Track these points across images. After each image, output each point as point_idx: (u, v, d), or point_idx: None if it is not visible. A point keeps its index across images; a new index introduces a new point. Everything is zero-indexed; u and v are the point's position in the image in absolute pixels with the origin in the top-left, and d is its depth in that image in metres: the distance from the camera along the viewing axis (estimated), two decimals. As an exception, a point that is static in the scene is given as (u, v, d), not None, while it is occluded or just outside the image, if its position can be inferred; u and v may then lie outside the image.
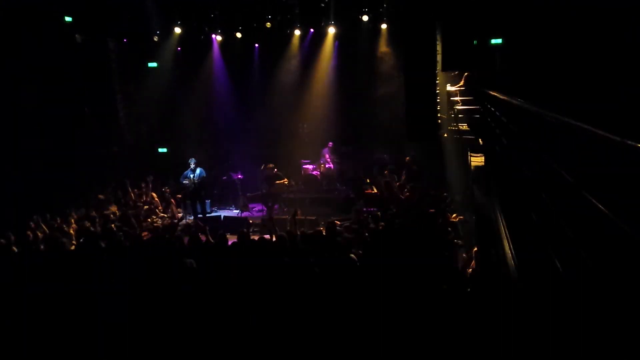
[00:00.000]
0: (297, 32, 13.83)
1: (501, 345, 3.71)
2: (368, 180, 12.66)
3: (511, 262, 3.43)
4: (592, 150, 2.18)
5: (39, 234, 8.08)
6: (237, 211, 12.74)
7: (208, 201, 12.78)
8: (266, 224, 9.54)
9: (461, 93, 8.13)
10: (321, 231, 7.55)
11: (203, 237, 7.63)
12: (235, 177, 13.27)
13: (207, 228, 8.09)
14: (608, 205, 1.89)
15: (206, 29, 13.81)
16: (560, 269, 2.45)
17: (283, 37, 13.95)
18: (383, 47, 13.63)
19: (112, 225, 8.46)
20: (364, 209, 10.67)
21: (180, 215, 12.19)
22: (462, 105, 7.95)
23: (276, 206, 12.47)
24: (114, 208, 10.80)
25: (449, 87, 8.48)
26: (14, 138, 10.19)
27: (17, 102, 10.39)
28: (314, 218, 10.66)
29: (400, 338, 4.22)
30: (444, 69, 8.14)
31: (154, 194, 11.69)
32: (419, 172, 11.98)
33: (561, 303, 2.48)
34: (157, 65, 13.85)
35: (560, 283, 2.45)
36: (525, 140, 3.74)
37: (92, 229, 8.50)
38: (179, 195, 12.50)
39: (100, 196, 10.92)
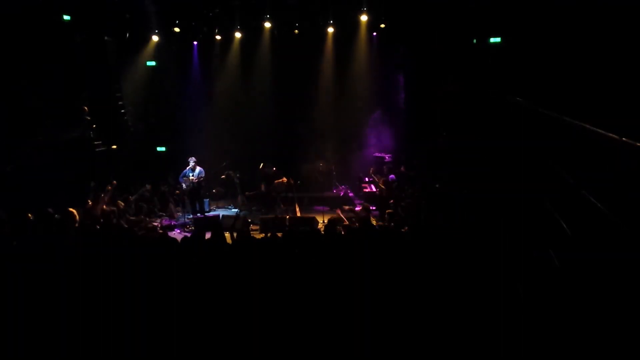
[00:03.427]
0: (296, 32, 13.86)
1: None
2: (367, 179, 12.70)
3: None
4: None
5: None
6: (236, 210, 12.76)
7: (207, 200, 12.80)
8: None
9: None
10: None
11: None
12: (234, 176, 13.30)
13: None
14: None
15: (205, 28, 13.81)
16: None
17: (283, 37, 13.96)
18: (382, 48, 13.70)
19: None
20: None
21: (178, 214, 12.23)
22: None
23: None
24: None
25: None
26: (13, 137, 10.17)
27: (15, 101, 10.38)
28: (312, 217, 10.69)
29: None
30: None
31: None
32: (415, 174, 12.00)
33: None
34: (156, 64, 13.86)
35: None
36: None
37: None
38: (177, 192, 12.52)
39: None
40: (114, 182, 11.22)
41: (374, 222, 9.23)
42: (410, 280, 4.46)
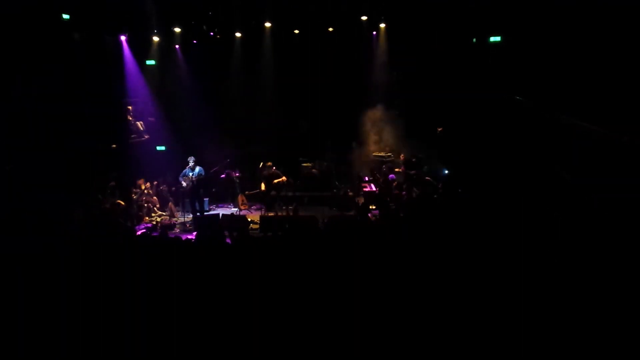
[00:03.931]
0: (296, 31, 13.88)
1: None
2: (367, 178, 12.70)
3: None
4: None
5: None
6: (236, 209, 12.76)
7: (206, 199, 12.80)
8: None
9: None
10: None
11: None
12: (234, 175, 13.29)
13: None
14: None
15: (204, 27, 13.80)
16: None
17: (282, 36, 13.96)
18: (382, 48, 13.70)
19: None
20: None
21: (178, 213, 12.24)
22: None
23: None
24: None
25: None
26: (12, 136, 10.17)
27: (15, 100, 10.38)
28: (312, 215, 10.68)
29: None
30: None
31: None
32: (417, 173, 11.97)
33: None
34: (155, 63, 13.85)
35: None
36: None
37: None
38: (176, 191, 12.54)
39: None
40: (113, 182, 11.25)
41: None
42: (403, 276, 4.48)
